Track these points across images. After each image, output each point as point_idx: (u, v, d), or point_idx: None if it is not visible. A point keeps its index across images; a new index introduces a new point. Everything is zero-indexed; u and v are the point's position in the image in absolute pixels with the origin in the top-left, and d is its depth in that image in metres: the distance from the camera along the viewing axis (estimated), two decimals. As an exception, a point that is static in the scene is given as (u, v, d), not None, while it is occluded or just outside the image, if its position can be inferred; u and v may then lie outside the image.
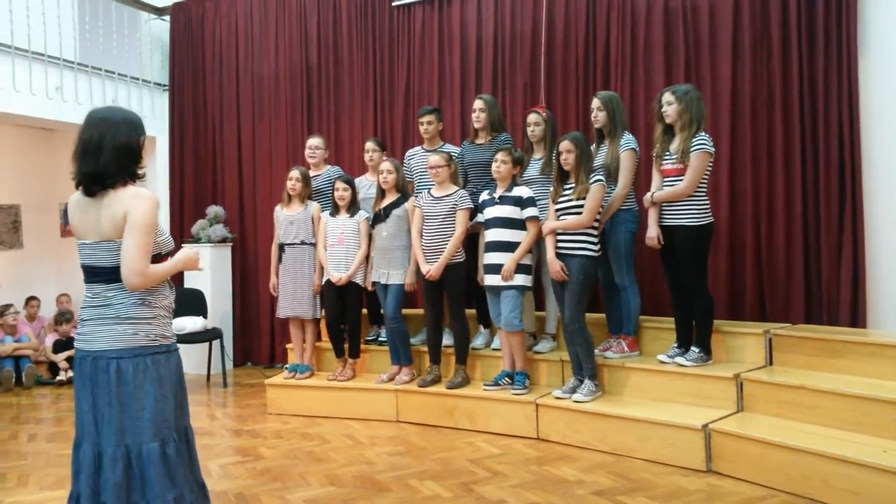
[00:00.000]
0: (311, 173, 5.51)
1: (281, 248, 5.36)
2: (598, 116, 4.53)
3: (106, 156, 2.32)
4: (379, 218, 4.99)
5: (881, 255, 4.53)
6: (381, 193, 5.02)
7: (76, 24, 6.83)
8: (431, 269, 4.69)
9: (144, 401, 2.36)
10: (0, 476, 4.01)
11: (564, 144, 4.29)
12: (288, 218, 5.31)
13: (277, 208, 5.44)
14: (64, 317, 6.98)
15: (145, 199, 2.34)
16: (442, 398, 4.78)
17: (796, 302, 4.74)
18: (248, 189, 7.09)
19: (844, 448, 3.33)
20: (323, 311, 5.29)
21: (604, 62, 5.43)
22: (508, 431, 4.50)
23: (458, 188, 4.79)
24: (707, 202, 4.21)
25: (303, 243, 5.27)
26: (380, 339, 5.37)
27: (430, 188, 4.87)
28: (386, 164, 4.99)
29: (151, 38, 7.57)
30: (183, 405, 2.51)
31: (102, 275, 2.38)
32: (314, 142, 5.62)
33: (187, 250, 2.58)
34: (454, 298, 4.79)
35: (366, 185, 5.43)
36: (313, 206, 5.31)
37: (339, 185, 5.14)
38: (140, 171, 2.44)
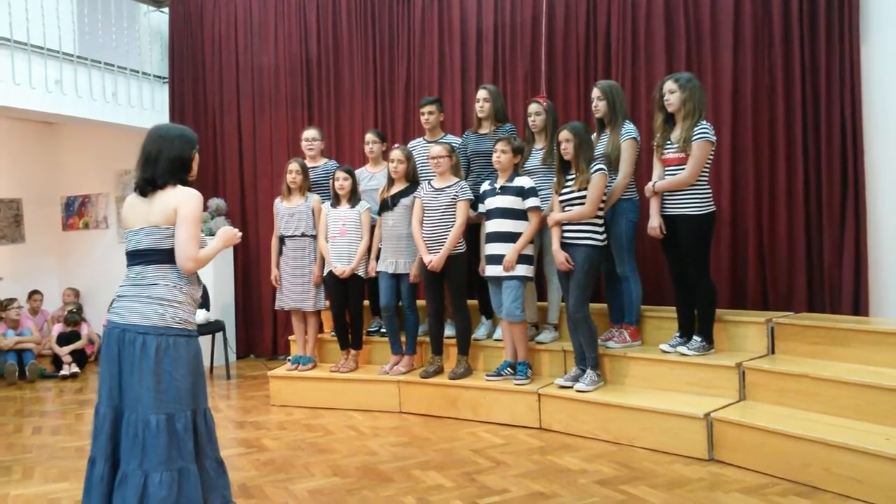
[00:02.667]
0: (309, 165, 5.49)
1: (281, 240, 5.36)
2: (599, 106, 4.52)
3: (161, 165, 2.70)
4: (386, 206, 4.98)
5: (883, 243, 4.53)
6: (391, 181, 5.01)
7: (75, 16, 6.80)
8: (433, 260, 4.68)
9: (161, 376, 2.60)
10: (5, 469, 4.02)
11: (563, 134, 4.28)
12: (288, 210, 5.30)
13: (277, 201, 5.43)
14: (74, 317, 6.98)
15: (193, 197, 2.71)
16: (445, 389, 4.79)
17: (798, 290, 4.74)
18: (249, 181, 7.09)
19: (847, 436, 3.33)
20: (327, 303, 5.30)
21: (604, 51, 5.42)
22: (511, 421, 4.51)
23: (458, 179, 4.78)
24: (709, 191, 4.20)
25: (303, 235, 5.27)
26: (382, 329, 5.37)
27: (430, 179, 4.86)
28: (396, 153, 4.96)
29: (151, 31, 7.55)
30: (198, 388, 2.72)
31: (144, 256, 2.69)
32: (310, 133, 5.60)
33: (224, 229, 2.92)
34: (455, 289, 4.79)
35: (366, 176, 5.42)
36: (314, 198, 5.31)
37: (340, 174, 5.12)
38: (189, 179, 2.78)
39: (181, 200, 2.67)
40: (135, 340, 2.60)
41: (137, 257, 2.70)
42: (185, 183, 2.76)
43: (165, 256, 2.67)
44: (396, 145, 5.14)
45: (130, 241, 2.73)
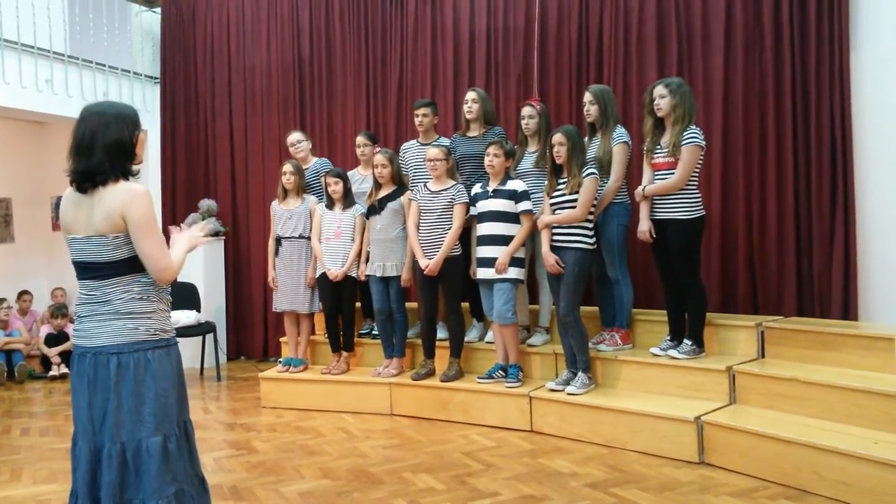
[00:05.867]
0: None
1: (278, 241, 5.34)
2: (591, 110, 4.53)
3: (98, 154, 2.29)
4: (374, 210, 4.97)
5: (873, 247, 4.55)
6: (378, 185, 5.00)
7: (66, 15, 6.78)
8: (430, 264, 4.68)
9: (145, 395, 2.34)
10: (-7, 471, 4.00)
11: (556, 137, 4.29)
12: (286, 213, 5.29)
13: (274, 203, 5.41)
14: (60, 311, 6.94)
15: (141, 197, 2.31)
16: (436, 391, 4.78)
17: (788, 294, 4.76)
18: (241, 183, 7.08)
19: (836, 439, 3.35)
20: (321, 304, 5.28)
21: (597, 55, 5.43)
22: (502, 424, 4.51)
23: (455, 182, 4.78)
24: (698, 195, 4.22)
25: (301, 237, 5.26)
26: (373, 332, 5.36)
27: (426, 182, 4.86)
28: (379, 157, 4.96)
29: (142, 31, 7.52)
30: (183, 399, 2.49)
31: (95, 270, 2.34)
32: (294, 137, 5.59)
33: (181, 237, 2.57)
34: (451, 292, 4.78)
35: (358, 179, 5.41)
36: (310, 199, 5.30)
37: (331, 179, 5.12)
38: (135, 168, 2.40)
39: (127, 206, 2.27)
40: (108, 362, 2.31)
41: (88, 270, 2.34)
42: (128, 173, 2.36)
43: (121, 268, 2.32)
44: (379, 149, 5.14)
45: (75, 251, 2.35)
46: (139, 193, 2.31)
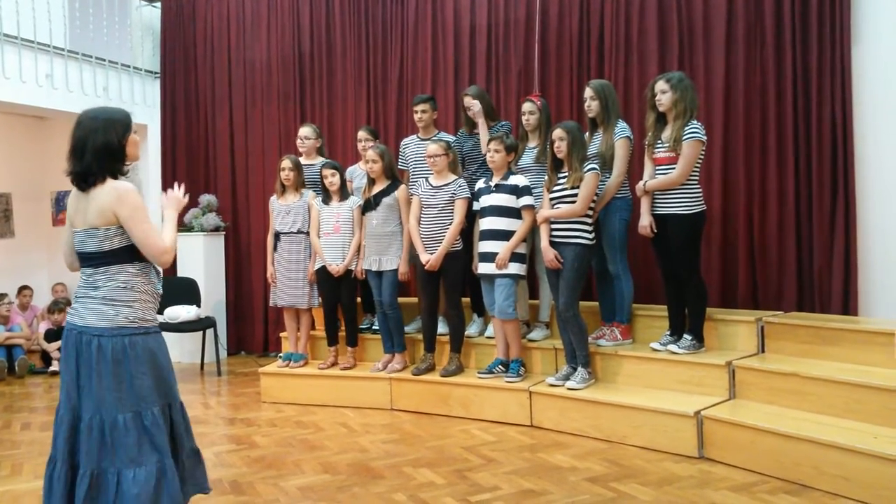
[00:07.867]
0: (304, 162, 5.48)
1: (276, 236, 5.34)
2: (592, 105, 4.52)
3: (88, 157, 2.55)
4: (369, 205, 4.98)
5: (873, 243, 4.55)
6: (372, 181, 5.00)
7: (66, 10, 6.76)
8: (431, 259, 4.68)
9: (122, 376, 2.57)
10: (-6, 465, 4.01)
11: (557, 132, 4.29)
12: (284, 208, 5.29)
13: (273, 199, 5.41)
14: (58, 305, 6.94)
15: (126, 193, 2.55)
16: (436, 386, 4.79)
17: (788, 290, 4.76)
18: (241, 177, 7.07)
19: (835, 434, 3.36)
20: (320, 299, 5.28)
21: (598, 50, 5.43)
22: (502, 419, 4.51)
23: (456, 177, 4.77)
24: (699, 190, 4.22)
25: (299, 232, 5.26)
26: (373, 327, 5.37)
27: (427, 177, 4.85)
28: (370, 153, 4.95)
29: (142, 26, 7.51)
30: (163, 383, 2.67)
31: (91, 259, 2.61)
32: (305, 131, 5.59)
33: (169, 198, 2.83)
34: (451, 287, 4.79)
35: (359, 174, 5.41)
36: (309, 194, 5.30)
37: (327, 171, 5.11)
38: (125, 168, 2.64)
39: (116, 203, 2.53)
40: (91, 342, 2.56)
41: (86, 259, 2.62)
42: (116, 173, 2.61)
43: (111, 258, 2.58)
44: (371, 144, 5.13)
45: (76, 243, 2.64)
46: (125, 190, 2.56)
